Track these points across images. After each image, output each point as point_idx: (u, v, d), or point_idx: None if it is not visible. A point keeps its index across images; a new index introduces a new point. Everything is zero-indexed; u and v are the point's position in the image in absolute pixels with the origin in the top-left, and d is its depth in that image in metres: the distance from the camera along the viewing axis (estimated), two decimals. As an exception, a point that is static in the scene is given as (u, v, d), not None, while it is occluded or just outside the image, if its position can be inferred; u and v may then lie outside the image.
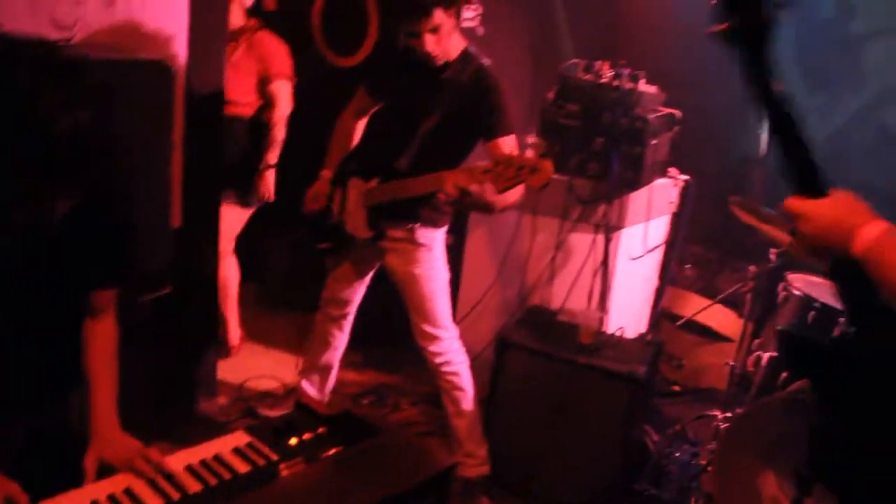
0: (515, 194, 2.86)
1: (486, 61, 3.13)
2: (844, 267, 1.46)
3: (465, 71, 3.09)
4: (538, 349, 3.40)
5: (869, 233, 1.41)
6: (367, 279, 3.51)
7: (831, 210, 1.47)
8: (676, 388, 4.64)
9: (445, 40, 3.01)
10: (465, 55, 3.12)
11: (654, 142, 3.85)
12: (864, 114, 5.08)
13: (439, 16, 2.92)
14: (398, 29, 3.11)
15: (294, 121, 4.20)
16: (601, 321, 3.74)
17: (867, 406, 1.58)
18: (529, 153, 3.00)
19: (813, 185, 1.50)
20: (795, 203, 1.51)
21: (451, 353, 3.33)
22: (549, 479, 3.42)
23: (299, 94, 4.23)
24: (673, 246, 4.50)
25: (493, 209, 3.06)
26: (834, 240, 1.46)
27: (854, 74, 5.06)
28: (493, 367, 3.48)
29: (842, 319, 3.22)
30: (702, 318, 4.51)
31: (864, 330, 1.55)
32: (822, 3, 5.11)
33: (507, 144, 3.05)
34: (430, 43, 2.96)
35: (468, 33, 4.55)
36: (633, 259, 4.09)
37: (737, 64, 1.50)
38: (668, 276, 4.61)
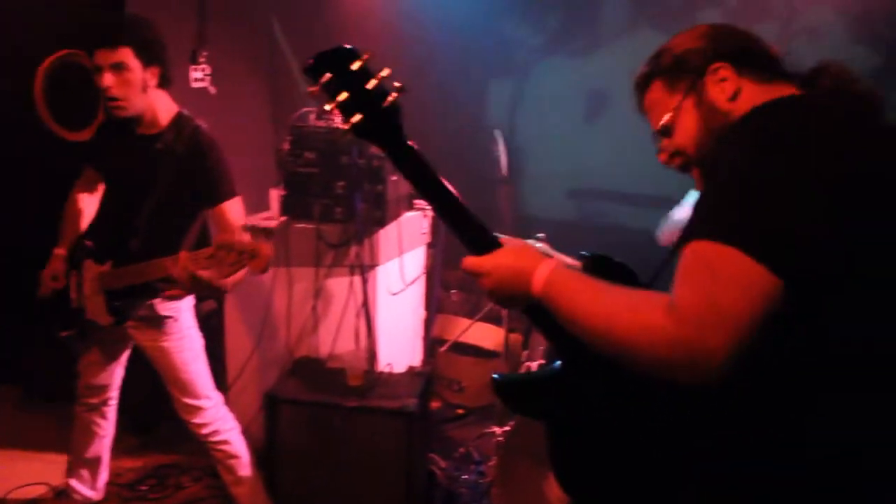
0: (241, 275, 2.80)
1: (201, 123, 3.04)
2: (535, 308, 1.51)
3: (180, 139, 2.98)
4: (308, 400, 3.36)
5: (540, 275, 1.48)
6: (123, 359, 3.34)
7: (505, 260, 1.55)
8: (461, 410, 4.73)
9: (133, 90, 2.88)
10: (177, 121, 3.03)
11: (393, 178, 3.93)
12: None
13: (126, 55, 2.82)
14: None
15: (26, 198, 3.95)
16: (371, 361, 3.75)
17: (587, 427, 1.66)
18: (247, 237, 2.94)
19: (483, 244, 1.58)
20: (472, 262, 1.59)
21: (217, 421, 3.22)
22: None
23: (30, 171, 3.99)
24: (433, 275, 4.61)
25: (225, 292, 3.00)
26: (515, 288, 1.52)
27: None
28: (266, 425, 3.39)
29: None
30: (472, 340, 4.63)
31: (571, 361, 1.64)
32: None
33: (232, 209, 2.97)
34: (108, 79, 2.83)
35: (200, 93, 4.51)
36: (394, 294, 4.14)
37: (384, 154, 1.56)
38: (434, 304, 4.71)
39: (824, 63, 1.50)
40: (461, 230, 1.59)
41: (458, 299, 4.99)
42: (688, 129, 1.56)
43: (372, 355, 3.85)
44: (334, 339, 3.90)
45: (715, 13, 4.62)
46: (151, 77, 2.92)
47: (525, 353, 4.25)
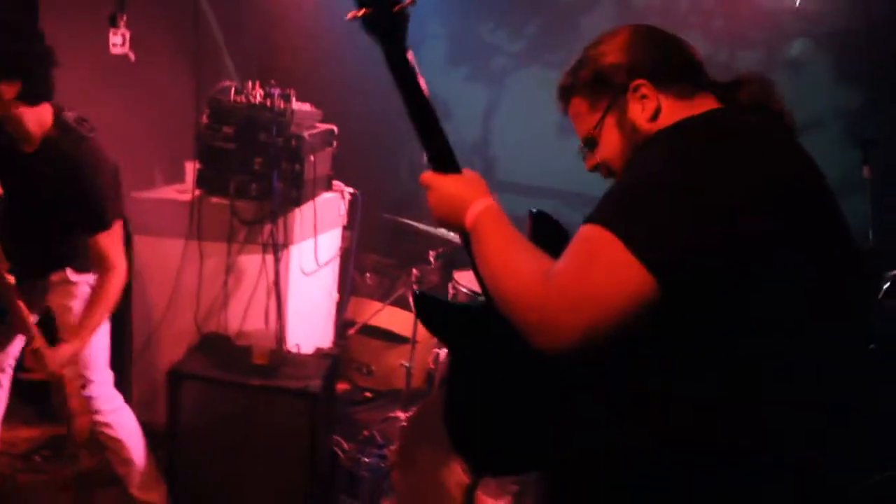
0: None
1: (83, 138, 2.81)
2: (467, 239, 1.56)
3: (51, 162, 2.76)
4: (212, 377, 3.33)
5: (474, 210, 1.53)
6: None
7: (454, 184, 1.59)
8: (368, 394, 4.75)
9: None
10: (48, 141, 2.79)
11: (312, 158, 3.92)
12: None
13: None
14: None
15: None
16: (279, 340, 3.74)
17: (486, 368, 1.70)
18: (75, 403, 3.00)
19: (445, 164, 1.62)
20: (428, 175, 1.63)
21: (100, 399, 3.16)
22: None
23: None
24: (348, 257, 4.61)
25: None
26: (451, 213, 1.57)
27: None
28: (169, 401, 3.35)
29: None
30: (384, 324, 4.64)
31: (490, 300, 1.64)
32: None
33: (105, 241, 2.86)
34: None
35: (120, 61, 4.40)
36: (307, 274, 4.13)
37: (380, 54, 1.56)
38: (348, 286, 4.71)
39: (745, 76, 1.54)
40: (430, 146, 1.62)
41: (372, 282, 5.00)
42: (611, 144, 1.57)
43: (280, 335, 3.84)
44: (243, 317, 3.87)
45: (696, 35, 4.68)
46: (7, 91, 2.65)
47: (435, 338, 4.29)
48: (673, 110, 1.50)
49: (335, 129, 4.30)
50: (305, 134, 3.89)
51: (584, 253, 1.27)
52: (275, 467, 3.32)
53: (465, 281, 3.86)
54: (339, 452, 3.77)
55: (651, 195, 1.28)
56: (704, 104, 1.50)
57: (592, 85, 1.58)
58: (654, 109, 1.51)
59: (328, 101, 4.40)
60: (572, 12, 5.24)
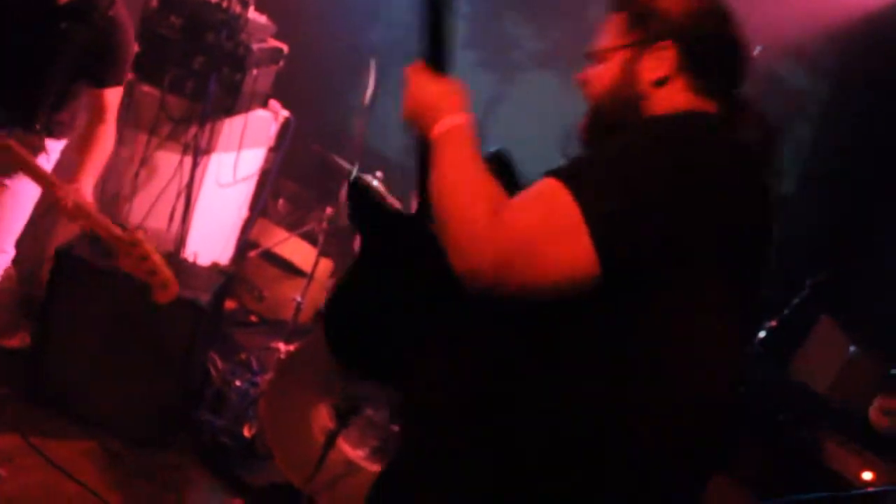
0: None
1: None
2: (424, 144, 1.49)
3: (89, 20, 2.76)
4: (100, 266, 3.22)
5: (444, 123, 1.43)
6: None
7: (435, 88, 1.48)
8: (254, 318, 4.70)
9: None
10: None
11: (255, 71, 3.82)
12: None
13: None
14: None
15: None
16: (178, 245, 3.66)
17: (391, 281, 1.65)
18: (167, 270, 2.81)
19: (437, 62, 1.51)
20: (413, 68, 1.52)
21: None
22: (103, 403, 3.26)
23: None
24: (266, 179, 4.53)
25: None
26: (422, 116, 1.47)
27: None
28: (49, 282, 3.25)
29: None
30: (286, 253, 4.59)
31: (426, 206, 1.55)
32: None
33: (112, 96, 2.91)
34: None
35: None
36: (222, 186, 4.04)
37: None
38: (259, 208, 4.63)
39: (753, 101, 1.50)
40: (431, 33, 1.51)
41: (285, 210, 4.94)
42: (606, 75, 1.49)
43: (181, 240, 3.75)
44: (147, 214, 3.77)
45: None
46: None
47: (332, 281, 4.28)
48: (676, 94, 1.44)
49: (285, 48, 4.20)
50: (254, 46, 3.79)
51: (540, 207, 1.25)
52: (144, 370, 3.26)
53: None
54: (212, 369, 3.73)
55: (627, 181, 1.25)
56: (707, 106, 1.44)
57: (637, 15, 1.48)
58: (663, 77, 1.43)
59: (288, 18, 4.29)
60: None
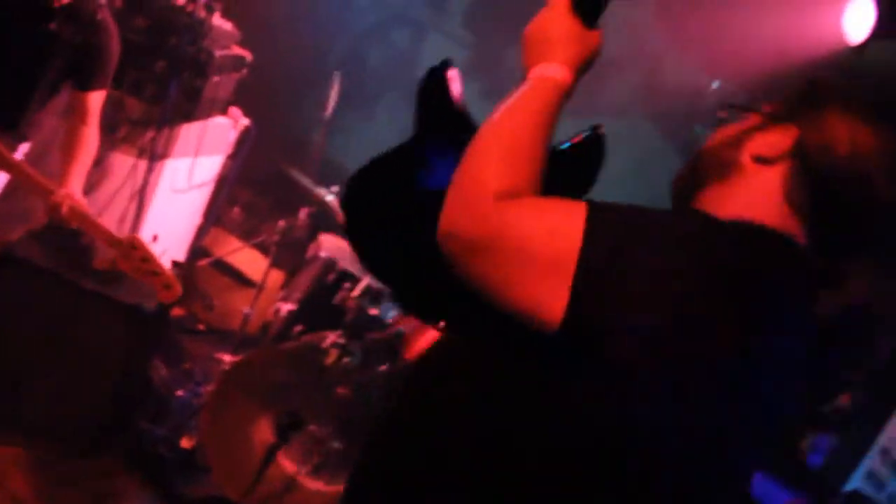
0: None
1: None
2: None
3: (80, 13, 2.78)
4: (45, 268, 3.17)
5: (543, 69, 1.26)
6: None
7: (567, 27, 1.27)
8: (202, 326, 4.64)
9: None
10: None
11: (216, 78, 3.79)
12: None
13: None
14: None
15: None
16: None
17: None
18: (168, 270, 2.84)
19: (586, 5, 1.30)
20: None
21: None
22: (36, 408, 3.19)
23: None
24: (222, 186, 4.48)
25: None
26: (534, 46, 1.29)
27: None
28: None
29: (347, 284, 3.45)
30: (238, 263, 4.55)
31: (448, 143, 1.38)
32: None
33: (95, 100, 2.93)
34: None
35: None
36: (176, 192, 4.00)
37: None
38: (213, 215, 4.58)
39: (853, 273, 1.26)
40: None
41: (239, 218, 4.89)
42: (723, 132, 1.32)
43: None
44: (99, 216, 3.69)
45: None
46: None
47: (282, 292, 4.24)
48: (772, 185, 1.22)
49: (249, 56, 4.17)
50: (217, 52, 3.76)
51: (551, 206, 1.13)
52: (81, 376, 3.20)
53: (329, 246, 3.82)
54: (156, 377, 3.67)
55: (651, 264, 1.08)
56: (793, 229, 1.21)
57: (787, 104, 1.28)
58: (767, 158, 1.23)
59: (254, 27, 4.27)
60: (603, 73, 5.14)
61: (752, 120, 1.29)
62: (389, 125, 5.10)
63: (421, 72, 1.43)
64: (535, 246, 1.09)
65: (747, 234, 1.17)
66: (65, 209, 2.70)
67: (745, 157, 1.25)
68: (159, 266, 2.74)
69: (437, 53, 1.49)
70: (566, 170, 1.32)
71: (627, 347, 1.08)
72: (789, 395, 1.21)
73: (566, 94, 1.24)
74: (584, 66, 1.28)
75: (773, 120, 1.26)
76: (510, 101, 1.22)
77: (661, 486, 1.15)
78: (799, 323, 1.19)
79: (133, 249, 2.72)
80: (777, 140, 1.23)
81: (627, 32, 4.58)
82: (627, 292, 1.07)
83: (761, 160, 1.23)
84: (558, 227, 1.10)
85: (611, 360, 1.09)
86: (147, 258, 2.72)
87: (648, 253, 1.09)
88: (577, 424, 1.13)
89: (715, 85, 4.39)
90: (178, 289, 2.78)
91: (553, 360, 1.13)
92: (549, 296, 1.07)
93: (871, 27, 3.58)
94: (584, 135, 1.36)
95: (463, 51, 5.12)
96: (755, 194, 1.22)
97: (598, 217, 1.10)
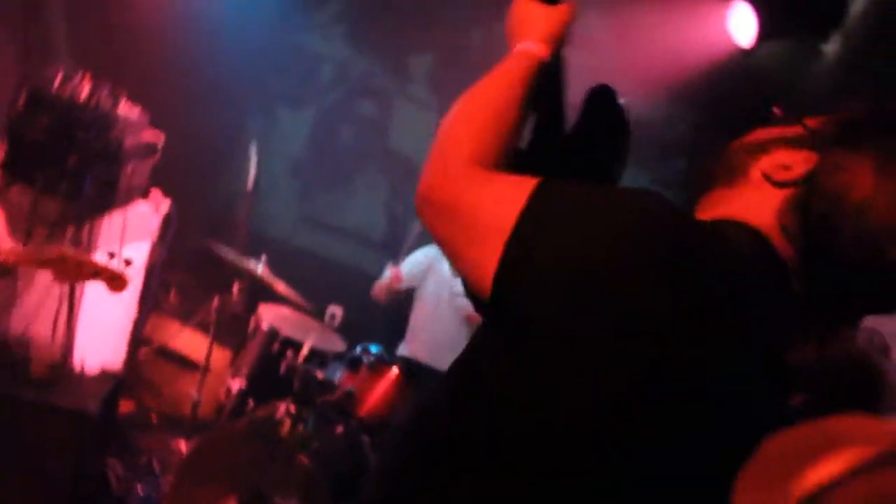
0: None
1: None
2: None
3: None
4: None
5: (522, 46, 1.36)
6: None
7: (532, 8, 1.40)
8: (154, 416, 4.54)
9: None
10: None
11: (130, 166, 3.75)
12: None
13: None
14: None
15: None
16: (64, 353, 3.51)
17: None
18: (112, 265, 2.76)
19: None
20: None
21: None
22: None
23: None
24: (153, 272, 4.41)
25: None
26: (511, 28, 1.41)
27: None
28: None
29: (290, 352, 3.42)
30: (180, 347, 4.48)
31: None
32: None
33: None
34: None
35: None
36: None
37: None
38: (149, 303, 4.50)
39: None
40: None
41: (176, 301, 4.82)
42: (756, 137, 1.27)
43: (67, 347, 3.60)
44: (29, 322, 3.61)
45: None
46: None
47: (230, 369, 4.18)
48: (770, 204, 1.18)
49: (161, 137, 4.14)
50: (127, 140, 3.72)
51: (498, 192, 1.14)
52: (35, 488, 3.09)
53: (269, 316, 3.79)
54: (112, 477, 3.57)
55: (581, 233, 1.06)
56: (785, 250, 1.16)
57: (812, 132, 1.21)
58: (775, 180, 1.19)
59: (163, 105, 4.23)
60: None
61: (790, 131, 1.23)
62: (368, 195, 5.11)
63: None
64: (482, 213, 1.12)
65: (715, 225, 1.16)
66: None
67: (756, 170, 1.21)
68: (96, 264, 2.68)
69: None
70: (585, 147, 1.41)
71: (533, 323, 1.06)
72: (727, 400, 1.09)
73: (544, 65, 1.34)
74: (560, 38, 1.39)
75: (801, 143, 1.19)
76: (491, 72, 1.31)
77: (565, 468, 1.07)
78: (755, 328, 1.10)
79: (63, 261, 2.65)
80: (793, 163, 1.18)
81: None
82: (538, 266, 1.05)
83: (769, 179, 1.19)
84: (505, 197, 1.12)
85: (518, 334, 1.08)
86: (81, 262, 2.66)
87: (573, 227, 1.06)
88: (492, 407, 1.10)
89: (623, 101, 4.47)
90: (126, 278, 2.72)
91: (492, 334, 1.16)
92: (485, 261, 1.09)
93: (755, 30, 3.73)
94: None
95: (431, 113, 5.11)
96: (750, 206, 1.19)
97: (544, 190, 1.11)
